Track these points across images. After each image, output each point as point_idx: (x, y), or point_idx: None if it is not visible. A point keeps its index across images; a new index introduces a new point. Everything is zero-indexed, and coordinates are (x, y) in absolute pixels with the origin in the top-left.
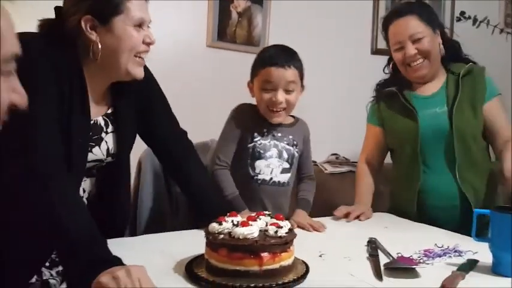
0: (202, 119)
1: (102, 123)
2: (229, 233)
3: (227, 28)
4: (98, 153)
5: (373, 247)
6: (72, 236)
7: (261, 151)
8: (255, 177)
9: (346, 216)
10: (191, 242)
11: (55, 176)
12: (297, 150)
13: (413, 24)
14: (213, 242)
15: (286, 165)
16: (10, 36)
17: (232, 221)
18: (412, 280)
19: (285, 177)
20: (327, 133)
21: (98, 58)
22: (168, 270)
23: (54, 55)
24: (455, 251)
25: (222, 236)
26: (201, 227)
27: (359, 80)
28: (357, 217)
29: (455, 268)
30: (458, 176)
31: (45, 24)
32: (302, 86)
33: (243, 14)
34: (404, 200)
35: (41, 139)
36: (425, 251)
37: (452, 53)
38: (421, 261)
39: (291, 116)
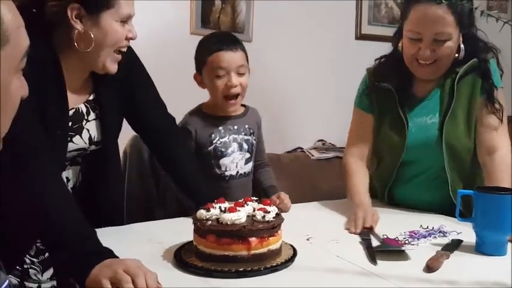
0: (188, 107)
1: (84, 110)
2: (217, 219)
3: (211, 15)
4: (79, 142)
5: (365, 231)
6: (58, 224)
7: (223, 149)
8: (223, 175)
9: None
10: (179, 230)
11: (35, 157)
12: (254, 137)
13: (443, 20)
14: (201, 229)
15: (248, 155)
16: (24, 30)
17: (220, 207)
18: (397, 260)
19: (248, 167)
20: (312, 119)
21: (82, 47)
22: (157, 258)
23: None
24: (440, 232)
25: (210, 222)
26: (189, 214)
27: (343, 66)
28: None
29: (440, 248)
30: (451, 191)
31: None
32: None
33: (226, 0)
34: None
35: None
36: (410, 232)
37: (468, 56)
38: (406, 242)
39: (242, 105)
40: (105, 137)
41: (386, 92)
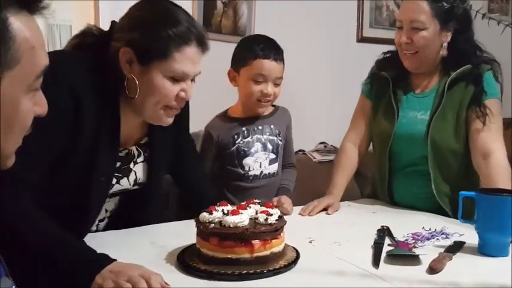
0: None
1: (136, 153)
2: (220, 222)
3: (212, 18)
4: (125, 183)
5: (381, 235)
6: (39, 243)
7: (246, 149)
8: (246, 175)
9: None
10: (182, 233)
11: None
12: (280, 138)
13: (418, 9)
14: (204, 231)
15: (273, 156)
16: (42, 50)
17: (223, 210)
18: (408, 265)
19: (274, 168)
20: (314, 122)
21: (130, 94)
22: (160, 261)
23: (84, 80)
24: (443, 234)
25: (212, 225)
26: (193, 216)
27: (345, 68)
28: (324, 209)
29: (442, 250)
30: (435, 188)
31: (90, 34)
32: None
33: (228, 4)
34: (379, 193)
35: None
36: (413, 234)
37: (462, 59)
38: (411, 245)
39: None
40: (150, 179)
41: (384, 80)
